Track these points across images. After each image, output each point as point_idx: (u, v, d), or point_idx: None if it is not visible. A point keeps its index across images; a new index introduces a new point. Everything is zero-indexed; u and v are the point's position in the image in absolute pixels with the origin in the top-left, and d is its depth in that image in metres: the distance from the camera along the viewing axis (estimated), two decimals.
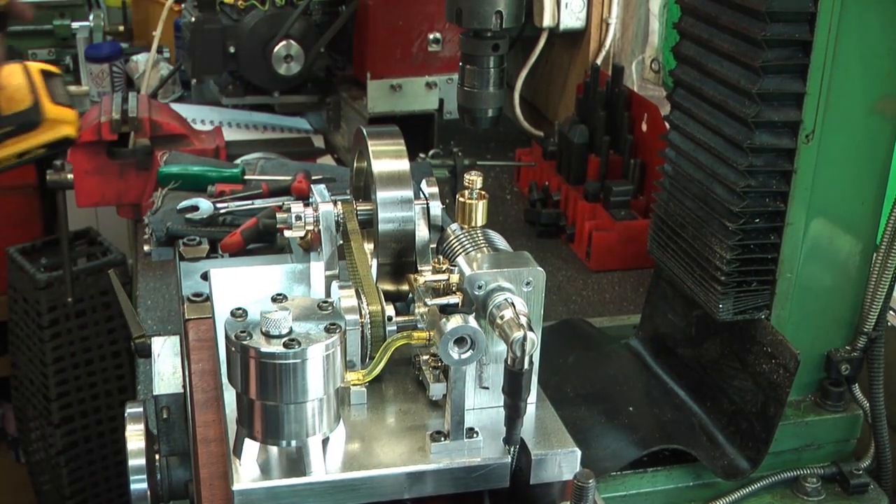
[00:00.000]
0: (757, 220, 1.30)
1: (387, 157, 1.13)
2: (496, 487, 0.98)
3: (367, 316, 1.04)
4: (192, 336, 1.23)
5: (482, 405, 1.02)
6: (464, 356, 0.93)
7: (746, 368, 1.36)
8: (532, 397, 1.03)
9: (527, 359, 0.91)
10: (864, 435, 1.43)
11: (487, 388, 1.01)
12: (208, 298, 1.27)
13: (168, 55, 3.01)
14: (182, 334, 1.28)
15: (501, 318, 0.94)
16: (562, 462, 0.98)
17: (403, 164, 1.13)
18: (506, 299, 0.95)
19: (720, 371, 1.41)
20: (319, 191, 1.17)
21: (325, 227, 1.15)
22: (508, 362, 0.92)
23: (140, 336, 1.42)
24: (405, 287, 1.14)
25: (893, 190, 1.33)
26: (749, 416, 1.35)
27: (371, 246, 1.17)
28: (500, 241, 1.10)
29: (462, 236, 1.10)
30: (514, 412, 0.94)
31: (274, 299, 0.94)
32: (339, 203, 1.16)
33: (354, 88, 2.48)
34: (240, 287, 1.24)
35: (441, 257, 1.06)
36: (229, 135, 2.45)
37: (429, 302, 1.00)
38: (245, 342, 0.89)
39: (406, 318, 1.07)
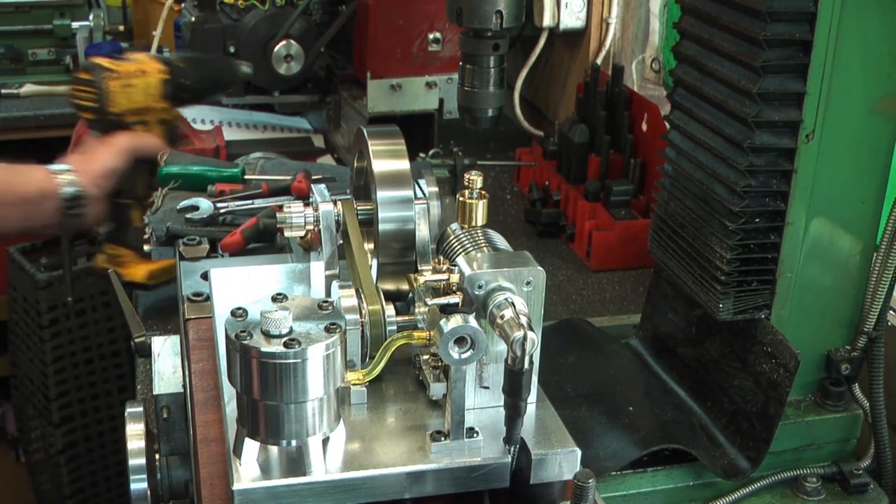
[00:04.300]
0: (757, 220, 1.30)
1: (387, 157, 1.13)
2: (496, 487, 0.98)
3: (368, 315, 1.04)
4: (192, 335, 1.23)
5: (482, 405, 1.02)
6: (464, 356, 0.93)
7: (747, 368, 1.36)
8: (532, 397, 1.03)
9: (527, 358, 0.91)
10: (865, 435, 1.43)
11: (488, 387, 1.01)
12: (208, 298, 1.27)
13: (168, 55, 3.01)
14: (182, 334, 1.28)
15: (501, 317, 0.94)
16: (562, 462, 0.98)
17: (403, 164, 1.13)
18: (506, 299, 0.95)
19: (720, 371, 1.41)
20: (319, 190, 1.17)
21: (325, 226, 1.15)
22: (509, 362, 0.92)
23: (140, 336, 1.42)
24: (405, 287, 1.14)
25: (894, 190, 1.33)
26: (749, 416, 1.35)
27: (371, 245, 1.17)
28: (501, 241, 1.10)
29: (462, 236, 1.10)
30: (514, 412, 0.94)
31: (274, 299, 0.94)
32: (340, 202, 1.16)
33: (354, 88, 2.48)
34: (240, 287, 1.24)
35: (441, 257, 1.05)
36: (229, 134, 2.45)
37: (429, 301, 1.00)
38: (245, 342, 0.89)
39: (406, 317, 1.07)
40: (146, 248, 1.63)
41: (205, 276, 1.33)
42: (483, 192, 1.10)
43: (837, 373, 1.39)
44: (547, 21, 2.40)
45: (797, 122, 1.25)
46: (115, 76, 1.86)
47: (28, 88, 3.14)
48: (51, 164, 1.72)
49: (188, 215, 1.62)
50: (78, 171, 1.71)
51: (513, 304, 0.95)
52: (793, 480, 1.39)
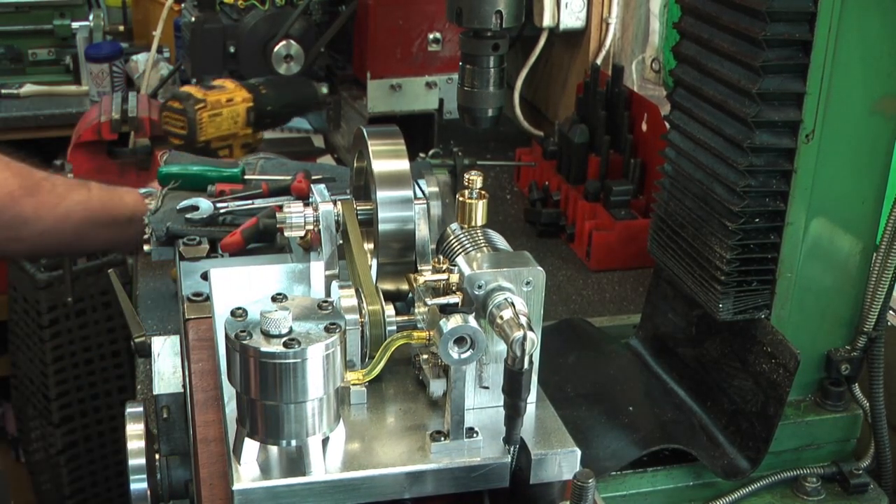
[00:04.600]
0: (757, 220, 1.30)
1: (387, 157, 1.14)
2: (496, 487, 0.98)
3: (367, 315, 1.04)
4: (192, 336, 1.23)
5: (482, 405, 1.02)
6: (463, 356, 0.93)
7: (746, 368, 1.36)
8: (532, 397, 1.03)
9: (527, 358, 0.91)
10: (864, 434, 1.43)
11: (487, 387, 1.01)
12: (208, 298, 1.27)
13: (168, 55, 3.01)
14: (182, 334, 1.28)
15: (501, 317, 0.94)
16: (562, 462, 0.98)
17: (403, 164, 1.13)
18: (506, 299, 0.95)
19: (720, 371, 1.41)
20: (319, 190, 1.17)
21: (324, 226, 1.15)
22: (508, 362, 0.92)
23: (140, 336, 1.42)
24: (405, 287, 1.14)
25: (893, 189, 1.33)
26: (749, 416, 1.35)
27: (371, 245, 1.17)
28: (500, 241, 1.10)
29: (462, 236, 1.10)
30: (513, 412, 0.94)
31: (274, 299, 0.94)
32: (339, 203, 1.16)
33: (354, 88, 2.48)
34: (240, 287, 1.24)
35: (441, 257, 1.06)
36: None
37: (429, 301, 1.00)
38: (245, 342, 0.89)
39: (406, 317, 1.07)
40: (146, 248, 1.64)
41: (205, 276, 1.33)
42: (483, 192, 1.10)
43: (837, 373, 1.39)
44: (547, 21, 2.40)
45: (797, 122, 1.25)
46: (204, 106, 1.94)
47: (28, 88, 3.14)
48: (140, 189, 1.81)
49: (188, 215, 1.62)
50: None
51: (512, 304, 0.95)
52: (793, 480, 1.39)
